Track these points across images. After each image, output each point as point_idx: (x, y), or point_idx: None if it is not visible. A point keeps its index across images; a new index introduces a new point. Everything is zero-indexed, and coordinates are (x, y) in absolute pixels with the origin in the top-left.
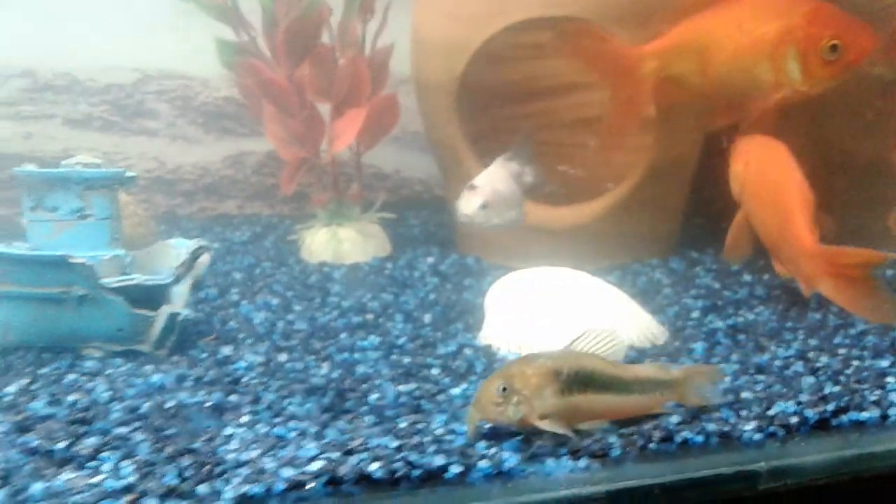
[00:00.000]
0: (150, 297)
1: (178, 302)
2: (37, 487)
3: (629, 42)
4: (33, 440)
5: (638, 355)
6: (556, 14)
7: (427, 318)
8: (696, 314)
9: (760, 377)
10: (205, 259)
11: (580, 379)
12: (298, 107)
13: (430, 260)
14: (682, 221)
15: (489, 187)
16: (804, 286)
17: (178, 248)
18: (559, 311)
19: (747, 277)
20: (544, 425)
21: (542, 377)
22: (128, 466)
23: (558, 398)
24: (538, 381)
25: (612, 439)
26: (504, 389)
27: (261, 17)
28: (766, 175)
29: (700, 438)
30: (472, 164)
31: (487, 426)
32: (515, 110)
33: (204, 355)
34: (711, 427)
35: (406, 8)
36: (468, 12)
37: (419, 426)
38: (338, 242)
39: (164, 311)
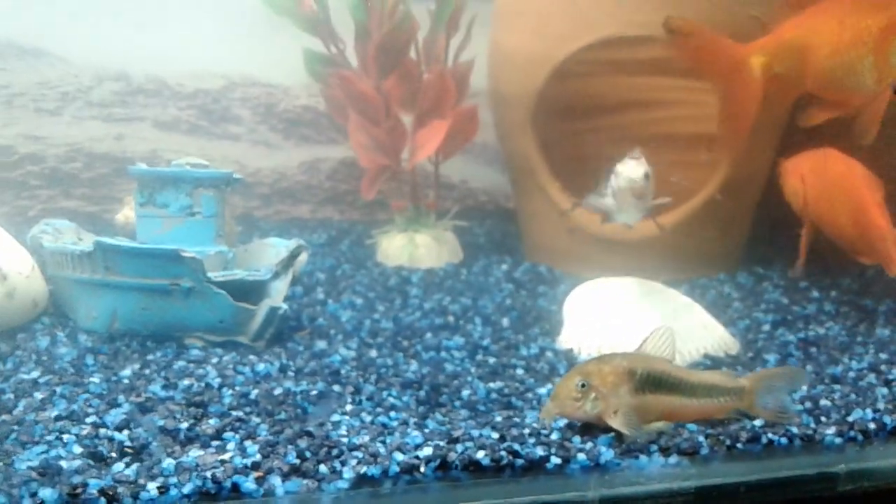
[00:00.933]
0: (250, 291)
1: (277, 297)
2: (168, 462)
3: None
4: (158, 420)
5: (712, 364)
6: (637, 33)
7: (505, 321)
8: (766, 327)
9: (836, 387)
10: (302, 258)
11: (652, 380)
12: (384, 116)
13: (504, 267)
14: (750, 237)
15: (644, 170)
16: (890, 270)
17: (277, 247)
18: (636, 319)
19: (815, 293)
20: (615, 422)
21: (619, 376)
22: (251, 446)
23: (632, 396)
24: (615, 379)
25: (701, 439)
26: (583, 385)
27: (349, 30)
28: (827, 178)
29: (784, 440)
30: (544, 176)
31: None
32: (589, 124)
33: (300, 348)
34: (794, 430)
35: (482, 23)
36: (551, 30)
37: (515, 420)
38: (414, 247)
39: (264, 305)
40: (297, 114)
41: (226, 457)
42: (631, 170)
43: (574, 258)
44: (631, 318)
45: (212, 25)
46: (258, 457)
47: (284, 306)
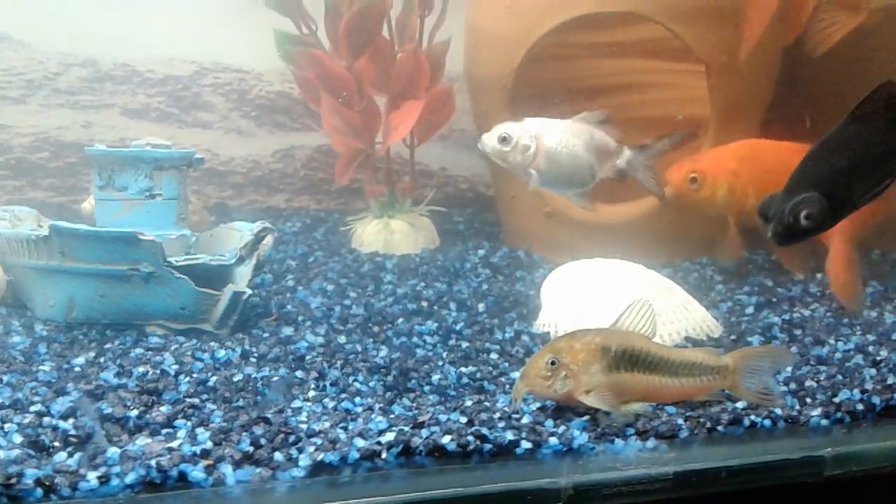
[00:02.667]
0: (214, 276)
1: (242, 282)
2: (113, 451)
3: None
4: (107, 408)
5: (694, 346)
6: (614, 10)
7: (481, 306)
8: (750, 310)
9: (822, 368)
10: (268, 241)
11: (628, 357)
12: (356, 98)
13: (481, 252)
14: None
15: (528, 129)
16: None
17: (242, 231)
18: (616, 301)
19: (799, 276)
20: (588, 400)
21: (591, 353)
22: (203, 433)
23: (605, 375)
24: (586, 356)
25: (680, 421)
26: (553, 363)
27: (322, 10)
28: (724, 167)
29: (767, 423)
30: None
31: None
32: (569, 108)
33: (266, 334)
34: (778, 412)
35: (460, 6)
36: (527, 7)
37: (485, 404)
38: (389, 233)
39: (228, 291)
40: (271, 100)
41: (174, 444)
42: (486, 134)
43: (553, 243)
44: (610, 300)
45: (182, 9)
46: (209, 444)
47: (249, 291)
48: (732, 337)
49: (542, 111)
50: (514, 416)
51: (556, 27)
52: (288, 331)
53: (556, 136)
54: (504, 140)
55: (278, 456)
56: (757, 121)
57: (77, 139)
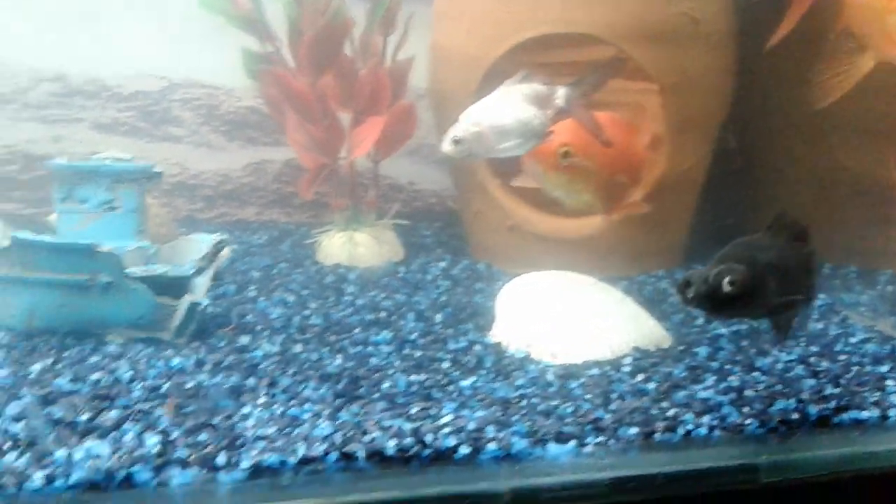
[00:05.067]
0: (173, 287)
1: (199, 292)
2: (61, 453)
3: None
4: (58, 412)
5: (642, 357)
6: (566, 31)
7: (438, 317)
8: (700, 321)
9: (762, 378)
10: (225, 253)
11: None
12: (320, 115)
13: (442, 265)
14: (689, 234)
15: (470, 119)
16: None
17: (201, 243)
18: (567, 313)
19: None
20: None
21: None
22: (150, 437)
23: None
24: None
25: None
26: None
27: (286, 28)
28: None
29: (703, 431)
30: (485, 175)
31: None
32: None
33: (222, 344)
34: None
35: (427, 25)
36: (484, 30)
37: (430, 412)
38: (353, 246)
39: (185, 301)
40: (242, 115)
41: (120, 448)
42: (444, 140)
43: (515, 256)
44: (560, 312)
45: (152, 25)
46: (157, 448)
47: (206, 301)
48: (681, 347)
49: None
50: (457, 422)
51: (512, 48)
52: (245, 340)
53: (495, 110)
54: (457, 142)
55: (222, 458)
56: (710, 136)
57: (47, 152)
